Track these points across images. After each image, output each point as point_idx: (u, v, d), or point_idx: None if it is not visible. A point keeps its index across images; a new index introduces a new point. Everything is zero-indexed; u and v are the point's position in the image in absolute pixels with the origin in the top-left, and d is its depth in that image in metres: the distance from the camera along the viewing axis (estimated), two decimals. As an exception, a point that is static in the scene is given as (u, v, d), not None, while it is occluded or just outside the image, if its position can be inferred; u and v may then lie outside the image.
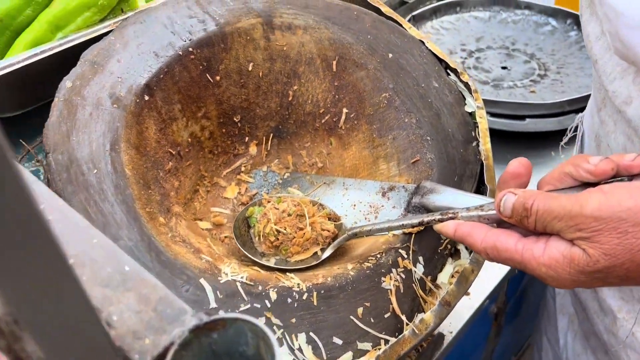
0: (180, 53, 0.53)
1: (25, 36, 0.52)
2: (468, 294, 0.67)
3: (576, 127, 0.62)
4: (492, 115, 0.82)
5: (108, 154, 0.46)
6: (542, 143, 0.84)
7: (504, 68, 0.94)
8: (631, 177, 0.36)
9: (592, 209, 0.33)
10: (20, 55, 0.49)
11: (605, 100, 0.48)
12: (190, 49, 0.53)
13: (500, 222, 0.40)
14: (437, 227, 0.43)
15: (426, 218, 0.44)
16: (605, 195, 0.34)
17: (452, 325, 0.62)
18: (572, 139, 0.65)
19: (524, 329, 1.00)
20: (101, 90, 0.48)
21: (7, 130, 0.56)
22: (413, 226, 0.46)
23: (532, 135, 0.84)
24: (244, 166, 0.62)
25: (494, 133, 0.84)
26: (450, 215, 0.43)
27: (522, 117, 0.81)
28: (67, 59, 0.51)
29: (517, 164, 0.40)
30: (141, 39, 0.52)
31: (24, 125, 0.55)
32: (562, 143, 0.65)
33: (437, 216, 0.44)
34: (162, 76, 0.51)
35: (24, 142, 0.52)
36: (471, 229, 0.40)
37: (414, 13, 1.00)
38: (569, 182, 0.38)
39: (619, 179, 0.36)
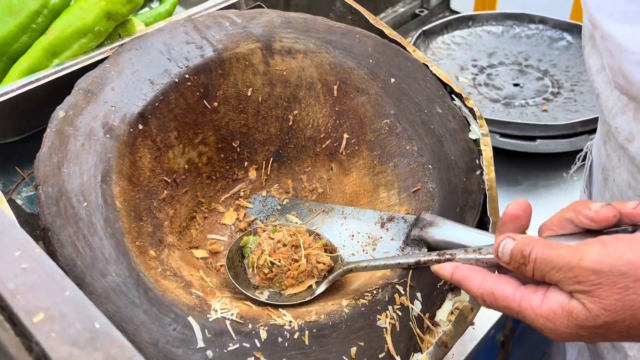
0: (177, 80, 0.52)
1: (21, 63, 0.52)
2: (472, 323, 0.65)
3: (585, 156, 0.60)
4: (502, 135, 0.80)
5: (99, 186, 0.45)
6: (554, 164, 0.82)
7: (516, 85, 0.92)
8: (635, 226, 0.34)
9: (592, 262, 0.32)
10: (16, 83, 0.49)
11: (609, 133, 0.46)
12: (187, 76, 0.53)
13: (499, 267, 0.39)
14: (434, 268, 0.42)
15: (423, 258, 0.43)
16: (606, 247, 0.32)
17: (455, 357, 0.60)
18: (582, 166, 0.63)
19: (536, 351, 0.97)
20: (94, 119, 0.47)
21: (4, 156, 0.56)
22: (409, 266, 0.44)
23: (544, 156, 0.81)
24: (243, 191, 0.61)
25: (505, 153, 0.82)
26: (447, 256, 0.41)
27: (532, 138, 0.79)
28: (63, 86, 0.50)
29: (516, 206, 0.38)
30: (136, 66, 0.51)
31: (21, 151, 0.55)
32: (570, 172, 0.63)
33: (434, 257, 0.42)
34: (157, 104, 0.51)
35: (19, 170, 0.52)
36: (468, 273, 0.39)
37: (425, 28, 0.98)
38: (569, 228, 0.36)
39: (622, 228, 0.34)
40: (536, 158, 0.82)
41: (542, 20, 1.02)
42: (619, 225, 0.35)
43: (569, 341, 0.35)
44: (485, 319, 0.64)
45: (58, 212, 0.43)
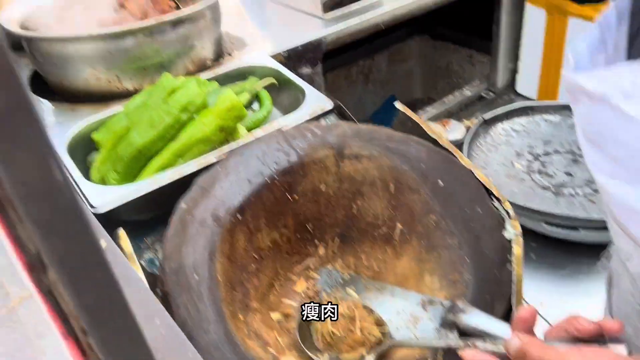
0: (268, 180, 0.67)
1: (155, 162, 0.69)
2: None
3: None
4: (548, 223, 0.89)
5: (206, 263, 0.60)
6: (596, 253, 0.89)
7: (567, 174, 1.00)
8: (611, 339, 0.45)
9: None
10: (153, 178, 0.66)
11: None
12: (276, 177, 0.68)
13: (508, 358, 0.49)
14: (460, 352, 0.53)
15: (452, 343, 0.54)
16: (581, 354, 0.42)
17: None
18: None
19: None
20: (206, 210, 0.63)
21: (137, 229, 0.74)
22: (442, 348, 0.56)
23: (587, 245, 0.89)
24: (313, 264, 0.74)
25: (551, 239, 0.91)
26: (470, 344, 0.52)
27: (576, 228, 0.87)
28: (185, 181, 0.67)
29: (525, 312, 0.50)
30: (239, 168, 0.67)
31: (147, 226, 0.72)
32: (596, 267, 0.71)
33: (460, 343, 0.53)
34: (252, 199, 0.66)
35: (145, 240, 0.68)
36: None
37: (486, 118, 1.09)
38: (564, 335, 0.47)
39: (602, 340, 0.45)
40: (580, 246, 0.90)
41: (599, 112, 1.10)
42: (600, 336, 0.45)
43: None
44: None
45: (177, 282, 0.59)
